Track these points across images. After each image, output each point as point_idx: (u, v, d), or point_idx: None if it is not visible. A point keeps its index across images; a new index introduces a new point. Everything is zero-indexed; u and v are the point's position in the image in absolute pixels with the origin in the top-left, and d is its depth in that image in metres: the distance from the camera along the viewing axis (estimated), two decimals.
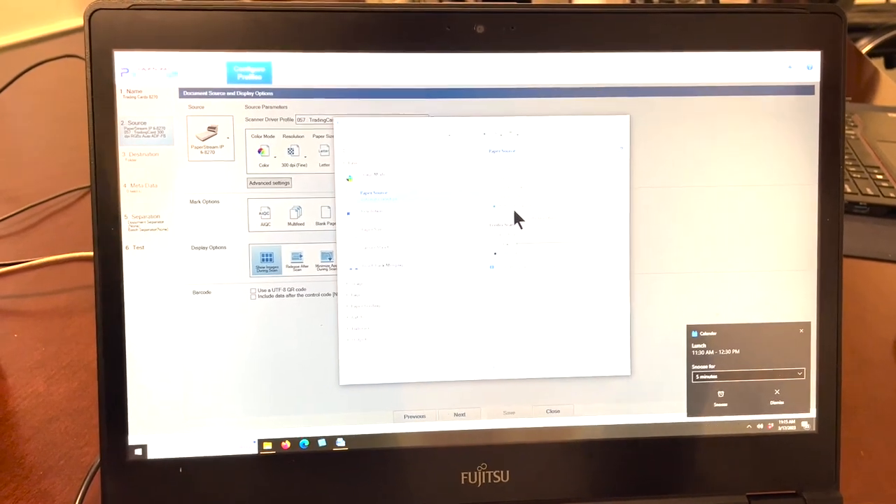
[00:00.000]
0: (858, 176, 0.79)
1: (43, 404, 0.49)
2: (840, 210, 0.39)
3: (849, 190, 0.76)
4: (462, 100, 0.38)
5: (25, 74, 0.89)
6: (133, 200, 0.36)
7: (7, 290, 0.62)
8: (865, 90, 1.24)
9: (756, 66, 0.38)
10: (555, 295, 0.38)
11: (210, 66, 0.36)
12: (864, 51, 1.85)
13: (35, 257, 0.66)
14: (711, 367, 0.39)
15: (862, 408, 0.49)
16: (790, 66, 0.38)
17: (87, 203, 0.77)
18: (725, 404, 0.39)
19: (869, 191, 0.76)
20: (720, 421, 0.39)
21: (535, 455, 0.38)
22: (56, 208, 0.77)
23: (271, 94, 0.37)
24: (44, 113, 1.15)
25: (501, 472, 0.38)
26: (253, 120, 0.37)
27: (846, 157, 0.84)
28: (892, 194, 0.75)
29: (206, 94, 0.36)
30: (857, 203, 0.74)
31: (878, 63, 2.00)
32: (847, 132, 0.92)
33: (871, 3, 2.45)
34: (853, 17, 2.07)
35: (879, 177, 0.79)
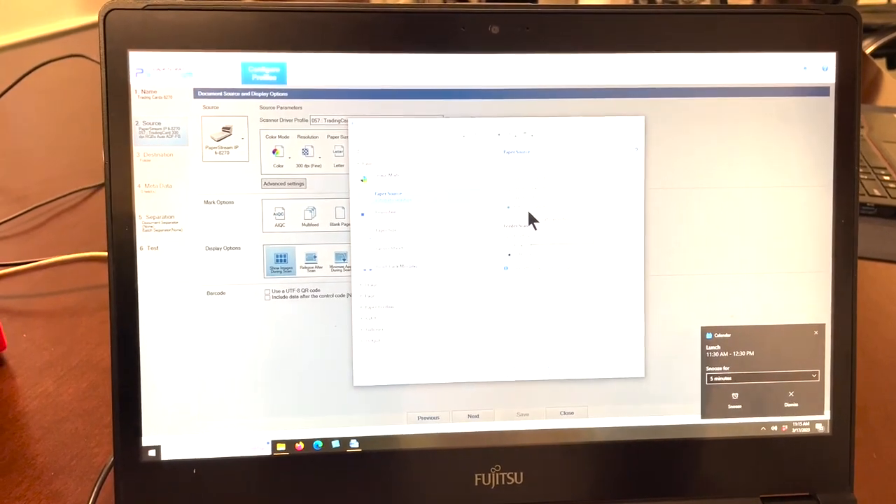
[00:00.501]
0: (866, 177, 0.79)
1: (52, 405, 0.49)
2: (855, 212, 0.39)
3: None
4: (477, 101, 0.37)
5: (32, 77, 0.89)
6: (147, 201, 0.36)
7: (16, 291, 0.62)
8: (870, 91, 1.24)
9: (771, 68, 0.38)
10: (569, 296, 0.38)
11: (225, 66, 0.36)
12: (867, 51, 1.85)
13: (42, 257, 0.65)
14: (725, 368, 0.39)
15: (873, 409, 0.49)
16: (805, 68, 0.38)
17: (93, 202, 0.77)
18: (739, 406, 0.39)
19: (876, 192, 0.76)
20: (734, 423, 0.39)
21: (548, 457, 0.38)
22: (63, 208, 0.77)
23: (286, 94, 0.37)
24: (49, 113, 1.15)
25: (515, 473, 0.38)
26: (267, 120, 0.37)
27: None
28: None
29: (220, 94, 0.36)
30: (864, 204, 0.74)
31: (881, 64, 2.00)
32: None
33: (874, 3, 2.45)
34: None
35: (886, 178, 0.79)
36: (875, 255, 0.67)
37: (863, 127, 0.94)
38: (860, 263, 0.65)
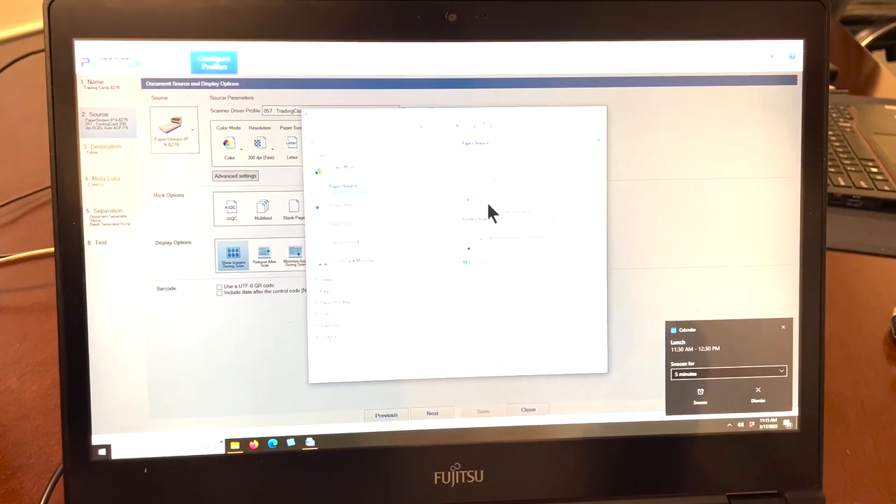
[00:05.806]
0: (853, 169, 0.78)
1: (14, 402, 0.48)
2: (823, 203, 0.38)
3: (843, 183, 0.75)
4: (434, 90, 0.37)
5: (23, 68, 0.87)
6: (95, 194, 0.35)
7: None
8: (865, 83, 1.23)
9: (737, 56, 0.37)
10: (530, 291, 0.37)
11: (174, 55, 0.35)
12: (864, 43, 1.83)
13: (14, 252, 0.65)
14: (691, 364, 0.38)
15: (849, 405, 0.48)
16: (772, 56, 0.37)
17: None
18: (705, 402, 0.38)
19: (863, 184, 0.75)
20: (700, 419, 0.38)
21: (509, 455, 0.38)
22: (40, 202, 0.76)
23: (237, 84, 0.36)
24: (35, 106, 1.14)
25: (475, 472, 0.37)
26: (218, 111, 0.36)
27: (841, 149, 0.82)
28: (886, 187, 0.74)
29: (169, 84, 0.35)
30: (850, 196, 0.73)
31: (879, 56, 1.98)
32: (843, 124, 0.90)
33: None
34: (853, 10, 2.05)
35: (874, 170, 0.78)
36: (860, 248, 0.66)
37: (853, 118, 0.93)
38: (845, 256, 0.64)
